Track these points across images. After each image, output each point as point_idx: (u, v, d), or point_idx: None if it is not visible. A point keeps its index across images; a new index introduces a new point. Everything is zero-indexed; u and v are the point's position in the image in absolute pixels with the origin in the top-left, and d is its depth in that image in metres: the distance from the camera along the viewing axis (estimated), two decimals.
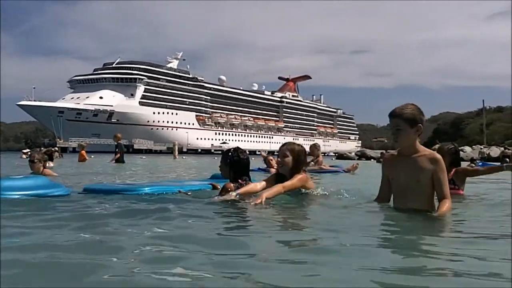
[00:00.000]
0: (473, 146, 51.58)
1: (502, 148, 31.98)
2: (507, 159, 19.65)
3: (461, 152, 32.12)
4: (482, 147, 49.00)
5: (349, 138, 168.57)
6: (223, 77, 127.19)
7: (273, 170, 11.18)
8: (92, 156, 24.51)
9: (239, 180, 4.83)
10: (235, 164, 4.95)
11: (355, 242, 2.63)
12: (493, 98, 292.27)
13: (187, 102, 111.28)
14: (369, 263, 2.14)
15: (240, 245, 2.56)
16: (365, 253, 2.41)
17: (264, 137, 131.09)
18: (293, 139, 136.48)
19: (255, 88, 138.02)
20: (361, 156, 45.06)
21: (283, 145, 5.04)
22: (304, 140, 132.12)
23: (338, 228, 3.16)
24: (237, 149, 5.11)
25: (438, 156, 3.93)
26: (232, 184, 4.77)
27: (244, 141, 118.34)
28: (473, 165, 22.02)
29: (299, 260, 2.20)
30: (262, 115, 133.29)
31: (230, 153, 5.05)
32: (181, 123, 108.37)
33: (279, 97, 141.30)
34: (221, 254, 2.30)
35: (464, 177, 5.78)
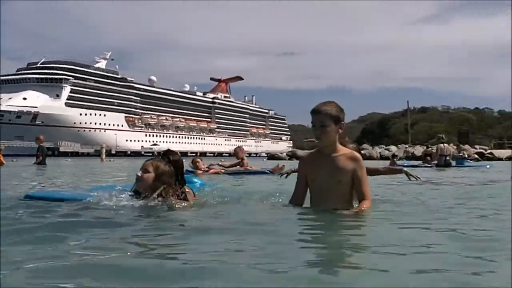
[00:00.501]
0: (398, 145, 53.34)
1: (425, 147, 33.19)
2: (429, 158, 20.22)
3: (386, 152, 33.22)
4: (406, 146, 50.80)
5: (281, 139, 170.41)
6: (154, 78, 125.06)
7: (199, 172, 10.90)
8: (15, 160, 24.44)
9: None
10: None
11: (257, 243, 2.52)
12: (418, 100, 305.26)
13: (116, 103, 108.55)
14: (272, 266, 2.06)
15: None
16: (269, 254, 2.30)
17: (196, 138, 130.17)
18: (225, 140, 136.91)
19: (187, 89, 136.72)
20: (292, 156, 45.41)
21: (150, 158, 4.41)
22: (236, 141, 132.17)
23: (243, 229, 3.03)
24: (168, 151, 4.50)
25: (358, 155, 3.85)
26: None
27: (175, 142, 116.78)
28: (395, 160, 22.76)
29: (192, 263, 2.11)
30: (193, 116, 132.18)
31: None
32: (109, 124, 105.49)
33: (211, 98, 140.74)
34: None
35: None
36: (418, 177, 5.47)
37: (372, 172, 5.93)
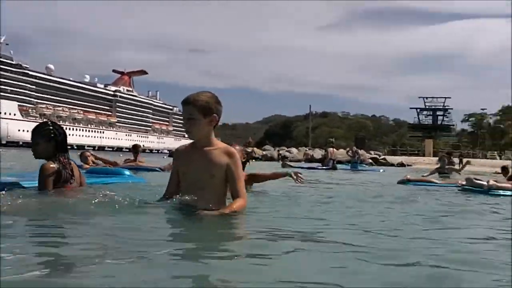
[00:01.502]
0: (299, 148, 54.22)
1: (324, 151, 33.90)
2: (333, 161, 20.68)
3: (287, 154, 33.31)
4: (307, 149, 51.73)
5: (184, 136, 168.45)
6: (51, 66, 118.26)
7: (86, 167, 9.92)
8: None
9: (61, 158, 4.08)
10: (62, 140, 4.18)
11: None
12: (320, 104, 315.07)
13: (9, 91, 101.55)
14: None
15: None
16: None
17: (94, 131, 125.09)
18: (126, 135, 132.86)
19: (87, 80, 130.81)
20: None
21: None
22: (138, 136, 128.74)
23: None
24: (54, 122, 4.31)
25: (233, 150, 3.62)
26: (52, 165, 3.99)
27: (72, 135, 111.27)
28: (285, 161, 23.14)
29: None
30: (93, 109, 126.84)
31: (51, 127, 4.14)
32: (0, 113, 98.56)
33: (112, 91, 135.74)
34: None
35: (251, 182, 5.80)
36: (302, 180, 5.80)
37: (259, 178, 6.05)
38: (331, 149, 18.85)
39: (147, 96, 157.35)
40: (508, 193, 7.26)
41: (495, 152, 70.05)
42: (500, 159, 59.58)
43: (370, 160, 41.88)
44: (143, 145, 69.11)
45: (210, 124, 3.53)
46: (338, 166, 20.82)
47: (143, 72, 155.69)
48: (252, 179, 5.91)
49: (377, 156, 46.78)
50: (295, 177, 5.77)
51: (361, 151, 42.44)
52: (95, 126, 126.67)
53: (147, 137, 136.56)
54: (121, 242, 2.48)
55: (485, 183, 7.53)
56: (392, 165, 38.21)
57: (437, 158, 15.25)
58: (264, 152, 49.45)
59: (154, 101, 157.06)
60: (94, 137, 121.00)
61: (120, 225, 3.01)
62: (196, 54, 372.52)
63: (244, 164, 5.35)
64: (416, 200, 5.93)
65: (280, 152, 49.10)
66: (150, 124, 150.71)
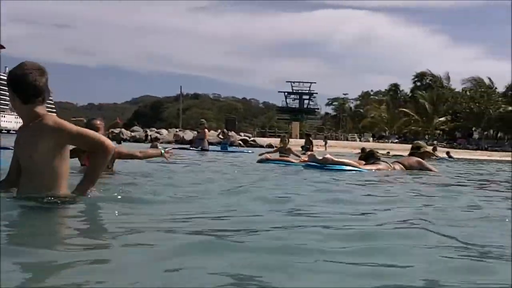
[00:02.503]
0: (169, 129, 53.33)
1: (196, 132, 33.55)
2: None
3: (157, 135, 32.33)
4: (177, 130, 50.99)
5: None
6: None
7: None
8: None
9: None
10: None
11: None
12: (191, 86, 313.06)
13: None
14: None
15: None
16: None
17: None
18: None
19: None
20: None
21: None
22: None
23: None
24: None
25: (63, 122, 3.07)
26: None
27: None
28: (156, 143, 22.35)
29: None
30: None
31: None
32: None
33: None
34: None
35: (113, 159, 5.32)
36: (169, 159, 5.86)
37: (126, 155, 5.65)
38: (205, 130, 18.52)
39: (4, 73, 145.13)
40: (347, 168, 7.99)
41: (356, 134, 74.65)
42: (360, 140, 63.63)
43: (240, 142, 42.45)
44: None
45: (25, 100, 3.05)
46: (210, 147, 20.66)
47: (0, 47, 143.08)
48: (119, 156, 5.44)
49: (247, 138, 47.50)
50: (167, 155, 5.72)
51: (231, 133, 42.90)
52: None
53: (4, 117, 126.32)
54: None
55: (321, 157, 8.15)
56: (261, 146, 38.91)
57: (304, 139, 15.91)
58: (132, 134, 47.85)
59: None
60: None
61: None
62: (61, 29, 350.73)
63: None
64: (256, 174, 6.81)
65: (150, 133, 47.89)
66: (7, 103, 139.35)
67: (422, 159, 9.21)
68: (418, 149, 9.48)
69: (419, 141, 10.87)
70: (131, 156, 5.67)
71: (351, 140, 63.79)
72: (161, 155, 5.72)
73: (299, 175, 7.22)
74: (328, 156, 8.22)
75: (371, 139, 68.09)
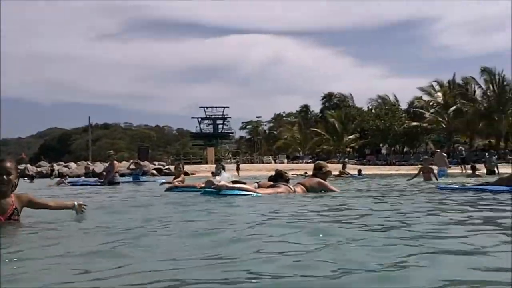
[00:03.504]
0: (79, 162, 51.35)
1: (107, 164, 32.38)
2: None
3: (66, 169, 30.73)
4: (88, 162, 49.12)
5: None
6: None
7: None
8: None
9: None
10: None
11: None
12: (100, 116, 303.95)
13: None
14: None
15: None
16: None
17: None
18: None
19: None
20: None
21: None
22: None
23: None
24: None
25: None
26: None
27: None
28: (63, 180, 20.90)
29: None
30: None
31: None
32: None
33: None
34: None
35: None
36: (83, 210, 5.29)
37: (39, 205, 5.11)
38: (114, 162, 17.67)
39: None
40: (243, 192, 8.37)
41: (270, 156, 75.48)
42: (275, 162, 64.32)
43: (154, 171, 41.56)
44: None
45: None
46: (121, 178, 19.96)
47: None
48: (29, 205, 4.89)
49: (161, 167, 46.69)
50: (79, 208, 5.24)
51: (144, 162, 41.87)
52: None
53: None
54: None
55: (217, 184, 8.61)
56: (186, 174, 38.24)
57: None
58: (39, 169, 45.55)
59: None
60: None
61: None
62: None
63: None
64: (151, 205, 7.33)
65: (58, 168, 45.71)
66: None
67: (324, 179, 9.32)
68: (320, 170, 9.50)
69: (320, 162, 11.07)
70: (44, 206, 5.09)
71: (266, 163, 64.35)
72: (73, 207, 5.23)
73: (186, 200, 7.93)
74: (222, 183, 8.58)
75: (285, 160, 69.07)
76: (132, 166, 24.38)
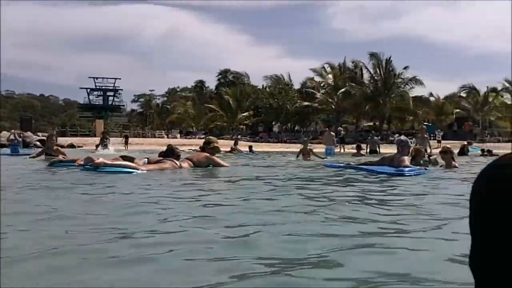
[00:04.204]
0: None
1: None
2: None
3: None
4: None
5: None
6: None
7: None
8: None
9: None
10: None
11: None
12: None
13: None
14: None
15: None
16: None
17: None
18: None
19: None
20: None
21: None
22: None
23: None
24: None
25: None
26: None
27: None
28: None
29: None
30: None
31: None
32: None
33: None
34: None
35: None
36: None
37: None
38: None
39: None
40: (124, 169, 8.26)
41: (163, 131, 74.20)
42: (168, 137, 63.29)
43: (38, 143, 39.25)
44: None
45: None
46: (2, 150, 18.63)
47: None
48: None
49: (45, 138, 44.10)
50: None
51: (27, 133, 39.27)
52: None
53: None
54: None
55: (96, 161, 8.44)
56: (62, 146, 36.30)
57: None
58: None
59: None
60: None
61: None
62: None
63: None
64: None
65: None
66: None
67: (212, 154, 9.35)
68: (208, 144, 9.57)
69: (210, 137, 11.31)
70: None
71: (159, 137, 63.14)
72: None
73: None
74: (100, 160, 8.42)
75: (178, 135, 68.23)
76: (12, 137, 22.74)
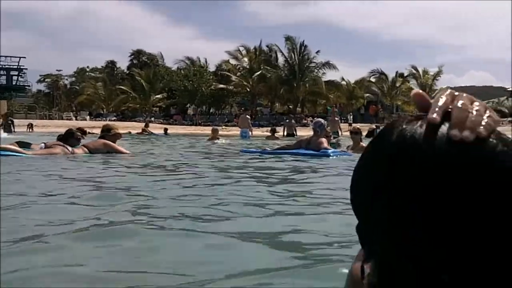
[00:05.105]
0: None
1: None
2: None
3: None
4: None
5: None
6: None
7: None
8: None
9: None
10: None
11: None
12: None
13: None
14: None
15: None
16: None
17: None
18: None
19: None
20: None
21: None
22: None
23: None
24: None
25: None
26: None
27: None
28: None
29: None
30: None
31: None
32: None
33: None
34: None
35: None
36: None
37: None
38: None
39: None
40: (7, 153, 7.78)
41: (71, 112, 70.99)
42: (76, 119, 60.55)
43: None
44: None
45: None
46: None
47: None
48: None
49: None
50: None
51: None
52: None
53: None
54: None
55: None
56: None
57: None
58: None
59: None
60: None
61: None
62: None
63: None
64: None
65: None
66: None
67: (113, 141, 8.89)
68: (109, 131, 8.91)
69: (109, 123, 10.79)
70: None
71: (67, 119, 60.23)
72: None
73: None
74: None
75: (88, 117, 65.48)
76: None
